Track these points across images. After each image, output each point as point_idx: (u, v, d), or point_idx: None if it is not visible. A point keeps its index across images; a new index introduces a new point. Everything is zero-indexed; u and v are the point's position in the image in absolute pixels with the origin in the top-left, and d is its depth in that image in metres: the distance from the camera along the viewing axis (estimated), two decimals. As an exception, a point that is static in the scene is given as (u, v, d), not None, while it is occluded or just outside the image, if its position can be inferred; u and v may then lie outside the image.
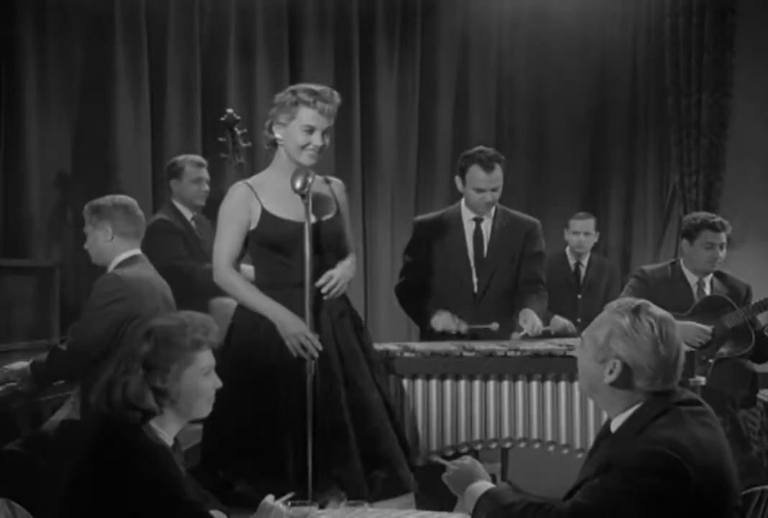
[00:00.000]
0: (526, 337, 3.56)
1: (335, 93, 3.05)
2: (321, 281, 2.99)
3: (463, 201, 3.89)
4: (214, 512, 2.23)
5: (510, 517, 2.08)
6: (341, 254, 3.15)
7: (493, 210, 3.85)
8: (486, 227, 3.85)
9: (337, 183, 3.22)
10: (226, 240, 3.05)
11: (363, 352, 3.11)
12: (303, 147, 3.00)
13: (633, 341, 2.07)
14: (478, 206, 3.81)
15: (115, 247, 3.42)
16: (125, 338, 2.29)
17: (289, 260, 3.00)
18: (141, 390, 2.17)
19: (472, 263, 3.82)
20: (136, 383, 2.17)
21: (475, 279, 3.80)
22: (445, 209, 4.03)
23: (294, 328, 2.95)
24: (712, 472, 1.99)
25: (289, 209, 2.99)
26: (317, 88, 3.02)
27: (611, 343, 2.09)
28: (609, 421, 2.22)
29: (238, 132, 4.41)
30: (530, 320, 3.58)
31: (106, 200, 3.46)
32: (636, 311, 2.10)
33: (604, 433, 2.24)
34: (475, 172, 3.74)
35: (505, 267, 3.83)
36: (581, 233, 5.39)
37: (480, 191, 3.75)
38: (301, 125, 2.99)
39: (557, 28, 5.65)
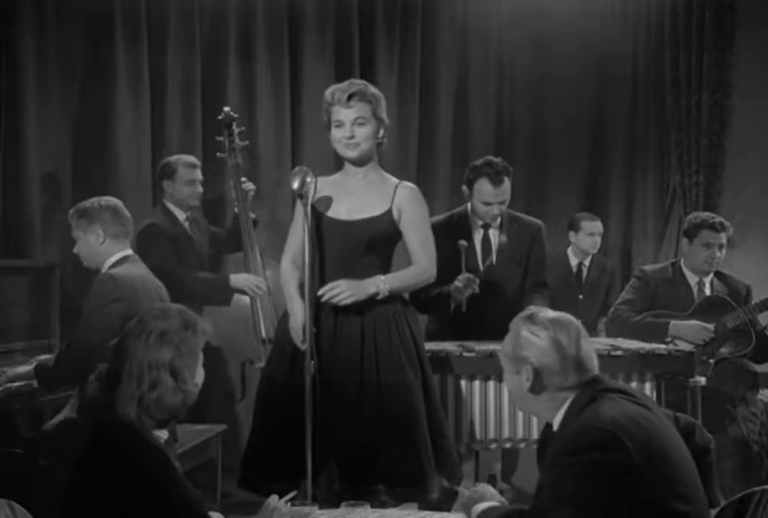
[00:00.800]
0: None
1: (354, 81, 3.12)
2: (320, 291, 2.98)
3: (469, 206, 3.88)
4: (210, 513, 2.22)
5: None
6: (382, 257, 3.11)
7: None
8: (494, 233, 3.85)
9: (406, 187, 3.15)
10: (291, 235, 3.18)
11: (387, 350, 3.03)
12: (338, 142, 3.08)
13: (533, 345, 2.20)
14: (485, 217, 3.82)
15: (107, 249, 3.42)
16: (131, 345, 2.18)
17: (320, 255, 3.06)
18: (176, 397, 2.15)
19: (481, 269, 3.80)
20: (170, 395, 2.14)
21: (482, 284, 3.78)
22: (452, 211, 4.01)
23: (290, 320, 3.02)
24: (655, 453, 2.03)
25: (328, 205, 3.07)
26: (338, 84, 3.11)
27: (519, 352, 2.22)
28: (547, 426, 2.31)
29: (236, 130, 4.39)
30: None
31: (92, 202, 3.45)
32: (530, 317, 2.24)
33: (546, 437, 2.32)
34: (483, 185, 3.72)
35: (513, 272, 3.84)
36: (596, 234, 5.39)
37: (487, 204, 3.75)
38: (332, 123, 3.08)
39: (557, 28, 5.64)
